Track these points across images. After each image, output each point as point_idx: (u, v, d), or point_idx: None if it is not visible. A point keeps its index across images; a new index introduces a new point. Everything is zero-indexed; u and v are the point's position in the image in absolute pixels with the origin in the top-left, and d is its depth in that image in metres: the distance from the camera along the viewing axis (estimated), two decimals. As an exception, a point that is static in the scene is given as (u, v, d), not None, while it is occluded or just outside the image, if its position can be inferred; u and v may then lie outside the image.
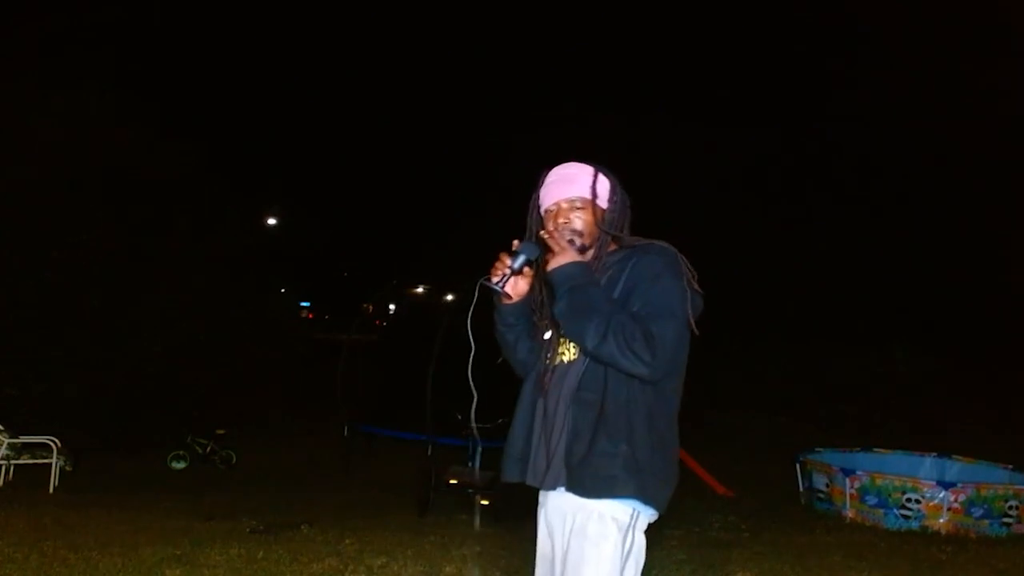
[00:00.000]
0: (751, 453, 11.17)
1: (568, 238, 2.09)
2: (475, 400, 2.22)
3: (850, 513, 7.40)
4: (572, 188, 2.13)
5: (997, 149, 16.02)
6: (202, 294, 12.30)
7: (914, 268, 16.36)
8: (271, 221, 24.51)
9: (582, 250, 2.10)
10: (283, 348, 14.97)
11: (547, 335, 2.17)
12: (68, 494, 7.72)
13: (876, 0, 17.29)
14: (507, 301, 2.17)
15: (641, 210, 2.19)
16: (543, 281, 2.14)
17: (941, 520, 7.01)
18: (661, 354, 1.90)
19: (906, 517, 7.08)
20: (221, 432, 10.54)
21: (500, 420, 2.21)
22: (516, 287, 2.15)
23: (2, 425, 8.44)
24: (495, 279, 2.09)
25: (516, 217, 2.27)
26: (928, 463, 8.60)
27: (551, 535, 2.07)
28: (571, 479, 1.97)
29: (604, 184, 2.16)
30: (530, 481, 2.09)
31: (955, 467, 8.41)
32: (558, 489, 2.02)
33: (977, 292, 15.87)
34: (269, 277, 15.64)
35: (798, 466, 8.43)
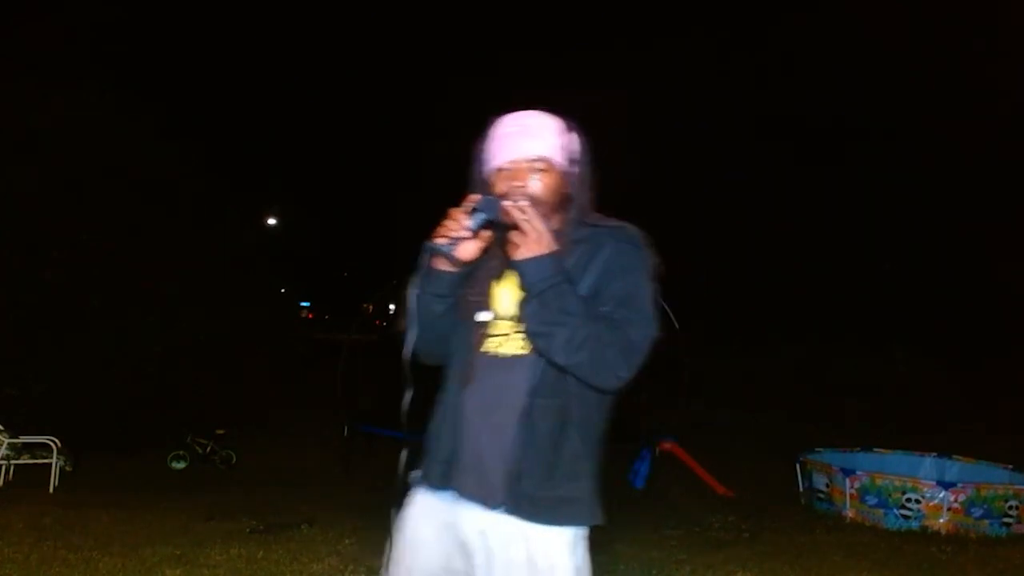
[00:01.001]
0: (751, 453, 11.17)
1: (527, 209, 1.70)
2: (410, 393, 1.80)
3: (850, 513, 7.40)
4: (535, 144, 1.75)
5: (998, 149, 16.03)
6: (202, 294, 12.29)
7: (914, 268, 16.38)
8: (271, 221, 24.54)
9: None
10: (283, 348, 14.97)
11: (483, 315, 1.79)
12: (68, 494, 7.71)
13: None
14: (452, 269, 1.75)
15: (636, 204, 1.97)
16: (496, 252, 1.77)
17: (941, 520, 7.02)
18: (636, 364, 1.66)
19: (906, 517, 7.08)
20: (221, 432, 10.53)
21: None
22: (465, 251, 1.72)
23: (2, 425, 8.44)
24: (442, 241, 1.68)
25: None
26: (928, 463, 8.60)
27: (465, 551, 1.77)
28: (519, 502, 1.69)
29: (574, 143, 1.81)
30: (458, 490, 1.78)
31: (955, 467, 8.41)
32: (486, 509, 1.73)
33: (977, 292, 15.89)
34: (269, 277, 15.63)
35: (798, 466, 8.43)
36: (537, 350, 1.70)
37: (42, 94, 11.01)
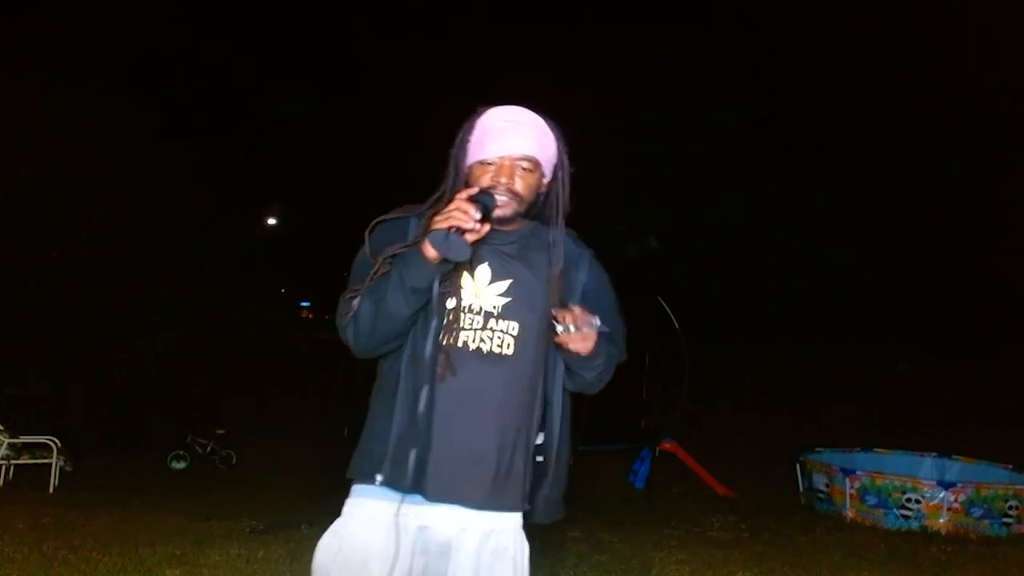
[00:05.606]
0: (751, 453, 11.17)
1: (506, 198, 1.71)
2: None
3: (850, 513, 7.41)
4: (526, 143, 1.73)
5: (998, 148, 16.04)
6: (202, 294, 12.30)
7: (915, 267, 16.39)
8: (271, 221, 24.53)
9: (516, 216, 1.75)
10: (283, 348, 14.98)
11: (451, 302, 1.73)
12: (68, 494, 7.72)
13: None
14: (440, 261, 1.63)
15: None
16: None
17: (941, 520, 7.02)
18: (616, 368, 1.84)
19: (906, 517, 7.09)
20: (221, 432, 10.55)
21: None
22: (470, 241, 1.63)
23: (2, 425, 8.45)
24: (455, 230, 1.59)
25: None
26: (928, 463, 8.61)
27: (442, 552, 1.73)
28: (503, 496, 1.73)
29: (563, 147, 1.81)
30: (429, 490, 1.71)
31: (955, 467, 8.42)
32: (454, 505, 1.71)
33: (977, 291, 15.90)
34: (269, 277, 15.63)
35: (798, 466, 8.43)
36: (517, 335, 1.73)
37: (42, 94, 11.02)
